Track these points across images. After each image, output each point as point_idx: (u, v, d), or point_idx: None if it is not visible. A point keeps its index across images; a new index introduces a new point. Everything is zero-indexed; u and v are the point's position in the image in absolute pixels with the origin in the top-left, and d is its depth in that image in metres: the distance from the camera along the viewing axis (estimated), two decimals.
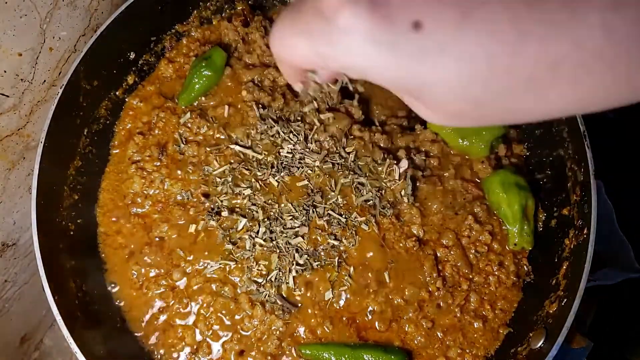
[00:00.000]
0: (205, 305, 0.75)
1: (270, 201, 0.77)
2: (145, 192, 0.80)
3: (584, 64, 0.24)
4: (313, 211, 0.76)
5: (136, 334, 0.76)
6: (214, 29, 0.92)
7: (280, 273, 0.73)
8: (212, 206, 0.78)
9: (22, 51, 0.70)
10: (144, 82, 0.89)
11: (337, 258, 0.74)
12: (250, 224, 0.75)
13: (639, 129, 0.97)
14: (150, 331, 0.76)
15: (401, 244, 0.75)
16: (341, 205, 0.76)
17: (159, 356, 0.75)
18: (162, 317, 0.76)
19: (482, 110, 0.27)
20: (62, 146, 0.77)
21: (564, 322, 0.63)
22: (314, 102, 0.79)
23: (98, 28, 0.77)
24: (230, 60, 0.87)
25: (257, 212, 0.76)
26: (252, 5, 0.94)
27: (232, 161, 0.80)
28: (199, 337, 0.74)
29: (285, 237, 0.74)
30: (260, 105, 0.82)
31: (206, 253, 0.76)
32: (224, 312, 0.74)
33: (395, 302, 0.74)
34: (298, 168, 0.78)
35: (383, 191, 0.77)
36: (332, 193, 0.77)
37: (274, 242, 0.74)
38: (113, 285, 0.78)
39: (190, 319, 0.75)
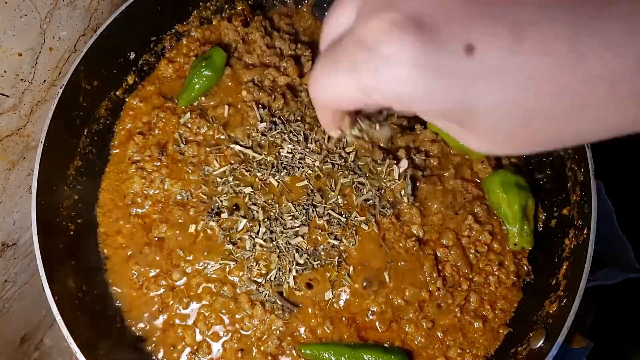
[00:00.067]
0: (205, 305, 0.75)
1: (270, 201, 0.77)
2: (145, 192, 0.80)
3: None
4: (313, 211, 0.76)
5: (136, 334, 0.76)
6: (214, 29, 0.92)
7: (280, 273, 0.73)
8: (212, 206, 0.78)
9: (22, 51, 0.70)
10: (144, 82, 0.89)
11: (337, 258, 0.74)
12: (251, 224, 0.75)
13: None
14: (150, 331, 0.76)
15: (401, 244, 0.75)
16: (341, 205, 0.76)
17: (159, 356, 0.75)
18: (162, 317, 0.76)
19: (537, 134, 0.26)
20: (62, 146, 0.77)
21: (564, 322, 0.63)
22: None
23: (98, 28, 0.77)
24: (230, 60, 0.87)
25: (257, 212, 0.76)
26: (252, 5, 0.94)
27: (232, 161, 0.80)
28: (199, 337, 0.74)
29: (285, 237, 0.74)
30: (260, 105, 0.82)
31: (206, 253, 0.76)
32: (224, 312, 0.74)
33: (396, 302, 0.74)
34: (298, 168, 0.78)
35: (383, 191, 0.78)
36: (332, 193, 0.77)
37: (274, 242, 0.74)
38: (113, 285, 0.78)
39: (190, 319, 0.75)
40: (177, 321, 0.75)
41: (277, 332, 0.73)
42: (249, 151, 0.80)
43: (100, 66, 0.80)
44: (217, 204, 0.78)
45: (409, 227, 0.77)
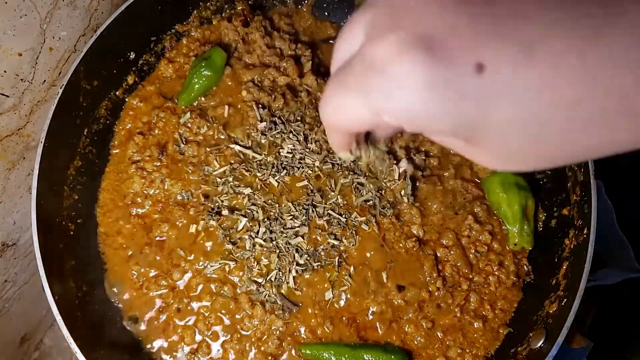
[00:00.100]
0: (205, 305, 0.75)
1: (270, 201, 0.77)
2: (145, 192, 0.80)
3: None
4: (313, 211, 0.76)
5: (136, 334, 0.76)
6: (214, 29, 0.92)
7: (280, 273, 0.73)
8: (212, 206, 0.78)
9: (22, 51, 0.70)
10: (144, 82, 0.89)
11: (337, 258, 0.74)
12: (250, 224, 0.75)
13: None
14: (150, 331, 0.76)
15: (401, 244, 0.75)
16: (341, 205, 0.76)
17: (159, 356, 0.75)
18: (162, 317, 0.76)
19: (549, 150, 0.26)
20: (62, 146, 0.77)
21: (564, 322, 0.63)
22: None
23: (98, 28, 0.77)
24: (230, 60, 0.87)
25: (257, 212, 0.76)
26: (252, 5, 0.94)
27: (232, 161, 0.80)
28: (198, 337, 0.74)
29: (285, 237, 0.74)
30: (260, 105, 0.82)
31: (206, 253, 0.76)
32: (223, 311, 0.74)
33: (395, 302, 0.74)
34: (298, 168, 0.78)
35: (383, 191, 0.78)
36: (332, 193, 0.77)
37: (274, 242, 0.74)
38: (113, 285, 0.78)
39: (190, 319, 0.75)
40: (177, 321, 0.75)
41: (277, 332, 0.73)
42: (248, 151, 0.80)
43: (100, 66, 0.80)
44: (217, 204, 0.78)
45: (409, 227, 0.77)
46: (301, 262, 0.73)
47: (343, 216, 0.76)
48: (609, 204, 0.89)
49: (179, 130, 0.83)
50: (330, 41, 0.95)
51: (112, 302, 0.77)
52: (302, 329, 0.73)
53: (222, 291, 0.74)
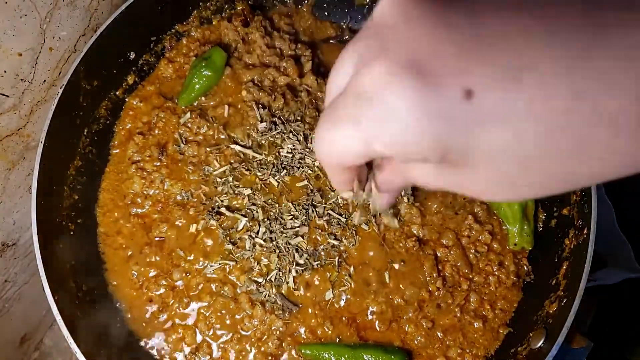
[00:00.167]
0: (205, 305, 0.75)
1: (270, 201, 0.77)
2: (145, 192, 0.80)
3: None
4: (313, 211, 0.76)
5: (136, 334, 0.76)
6: (214, 29, 0.92)
7: (280, 273, 0.73)
8: (212, 206, 0.78)
9: (22, 51, 0.70)
10: (144, 82, 0.89)
11: (337, 258, 0.74)
12: (250, 224, 0.75)
13: None
14: (150, 331, 0.76)
15: (401, 244, 0.75)
16: (341, 205, 0.76)
17: (158, 356, 0.75)
18: (162, 317, 0.76)
19: (539, 178, 0.26)
20: (62, 146, 0.77)
21: (564, 322, 0.63)
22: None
23: (98, 28, 0.77)
24: (230, 60, 0.87)
25: (257, 212, 0.76)
26: (252, 5, 0.94)
27: (232, 161, 0.80)
28: (199, 337, 0.74)
29: (285, 237, 0.74)
30: (260, 105, 0.82)
31: (205, 253, 0.76)
32: (224, 312, 0.74)
33: (395, 302, 0.74)
34: (298, 168, 0.78)
35: None
36: (332, 193, 0.77)
37: (274, 242, 0.74)
38: (113, 285, 0.78)
39: (190, 319, 0.75)
40: (177, 321, 0.75)
41: (277, 332, 0.73)
42: (249, 151, 0.80)
43: (100, 66, 0.80)
44: (217, 204, 0.78)
45: (409, 227, 0.77)
46: (301, 262, 0.73)
47: (343, 216, 0.76)
48: (609, 204, 0.89)
49: (179, 130, 0.83)
50: (331, 41, 0.95)
51: (112, 302, 0.77)
52: (302, 329, 0.73)
53: (222, 291, 0.74)
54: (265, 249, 0.74)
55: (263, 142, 0.81)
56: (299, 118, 0.81)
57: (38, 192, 0.70)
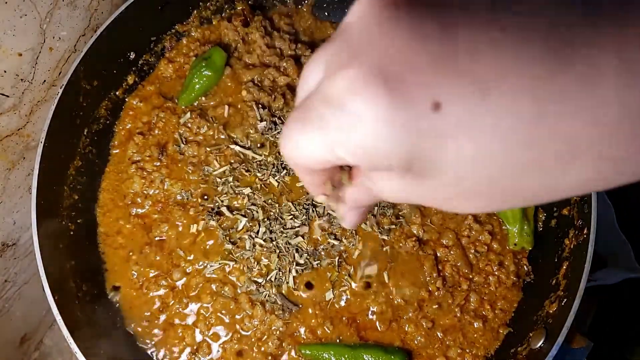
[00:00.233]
0: (205, 305, 0.75)
1: (270, 201, 0.77)
2: (145, 192, 0.80)
3: (603, 138, 0.23)
4: (313, 211, 0.76)
5: (136, 334, 0.76)
6: (214, 29, 0.92)
7: (280, 273, 0.73)
8: (212, 206, 0.78)
9: (22, 51, 0.70)
10: (144, 82, 0.89)
11: (337, 258, 0.74)
12: (250, 224, 0.75)
13: None
14: (150, 331, 0.76)
15: (401, 244, 0.75)
16: None
17: (159, 356, 0.75)
18: (162, 317, 0.76)
19: (505, 191, 0.26)
20: (62, 146, 0.77)
21: (564, 322, 0.63)
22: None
23: (98, 28, 0.77)
24: (230, 60, 0.87)
25: (257, 212, 0.76)
26: (252, 5, 0.94)
27: (232, 161, 0.80)
28: (199, 337, 0.74)
29: (285, 237, 0.74)
30: (260, 105, 0.82)
31: (206, 253, 0.76)
32: (224, 312, 0.74)
33: (395, 302, 0.74)
34: None
35: None
36: None
37: (274, 242, 0.74)
38: (113, 285, 0.78)
39: (190, 319, 0.75)
40: (177, 321, 0.75)
41: (277, 332, 0.73)
42: (248, 151, 0.80)
43: (100, 66, 0.80)
44: (217, 204, 0.78)
45: (409, 227, 0.77)
46: (301, 262, 0.73)
47: None
48: (609, 204, 0.89)
49: (179, 130, 0.83)
50: None
51: (112, 302, 0.77)
52: (302, 329, 0.73)
53: (222, 291, 0.74)
54: (265, 249, 0.74)
55: (263, 142, 0.81)
56: None
57: (38, 192, 0.70)
